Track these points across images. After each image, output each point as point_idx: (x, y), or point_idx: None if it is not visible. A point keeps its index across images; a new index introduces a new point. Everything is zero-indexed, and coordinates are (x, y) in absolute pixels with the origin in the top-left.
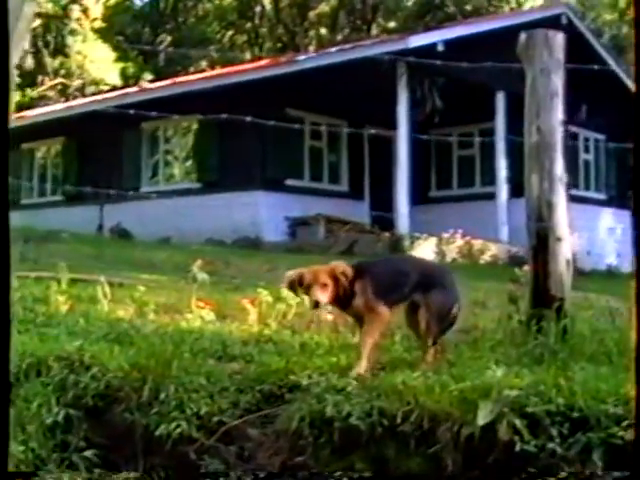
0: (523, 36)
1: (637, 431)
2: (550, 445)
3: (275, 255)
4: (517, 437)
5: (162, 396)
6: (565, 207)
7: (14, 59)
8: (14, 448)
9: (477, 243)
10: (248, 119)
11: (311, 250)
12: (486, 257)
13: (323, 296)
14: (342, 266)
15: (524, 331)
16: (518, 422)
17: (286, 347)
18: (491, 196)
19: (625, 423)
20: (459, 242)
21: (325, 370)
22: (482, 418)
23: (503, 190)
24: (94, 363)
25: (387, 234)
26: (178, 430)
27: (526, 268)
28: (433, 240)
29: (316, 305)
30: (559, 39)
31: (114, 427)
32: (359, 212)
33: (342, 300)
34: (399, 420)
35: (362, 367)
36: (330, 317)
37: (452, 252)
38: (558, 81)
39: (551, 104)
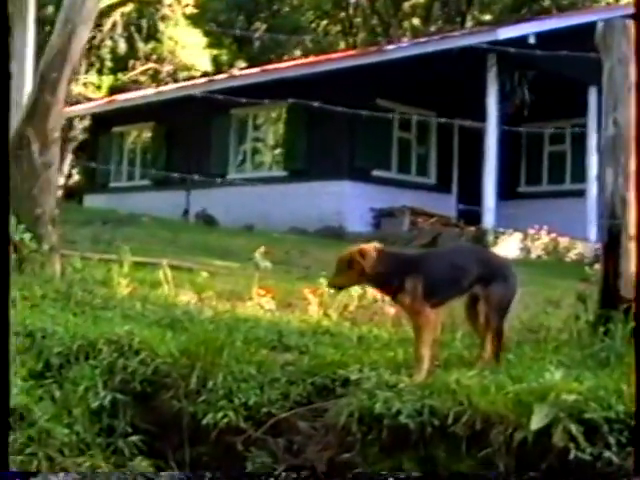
0: (601, 25)
1: (637, 431)
2: (607, 454)
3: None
4: (572, 444)
5: (210, 384)
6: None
7: (84, 34)
8: (59, 431)
9: (563, 241)
10: (339, 109)
11: (394, 242)
12: (572, 255)
13: (338, 279)
14: (362, 247)
15: (591, 332)
16: (574, 428)
17: (343, 339)
18: (581, 193)
19: None
20: (545, 239)
21: (380, 364)
22: (536, 422)
23: (593, 188)
24: (143, 348)
25: (472, 228)
26: (225, 420)
27: (597, 267)
28: (518, 236)
29: (338, 288)
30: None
31: (161, 414)
32: (446, 205)
33: (382, 285)
34: (450, 420)
35: (421, 375)
36: (393, 310)
37: (537, 249)
38: (635, 72)
39: (629, 95)
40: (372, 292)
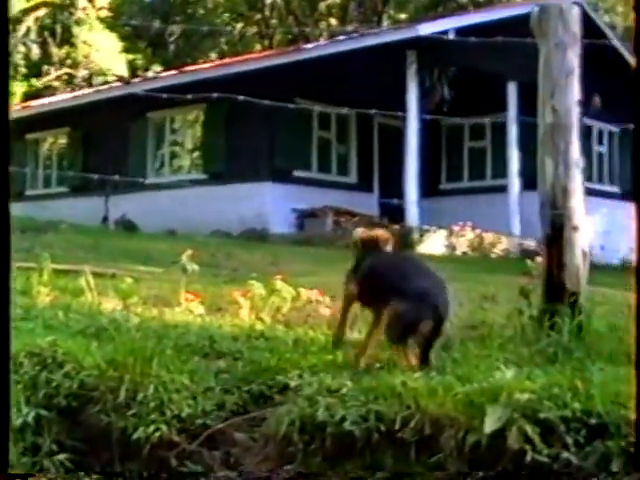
0: (536, 9)
1: (637, 430)
2: (565, 454)
3: (280, 247)
4: (528, 445)
5: (140, 396)
6: (582, 194)
7: None
8: None
9: (488, 236)
10: (265, 102)
11: (319, 242)
12: (497, 250)
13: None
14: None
15: (536, 328)
16: (530, 429)
17: (278, 343)
18: (503, 189)
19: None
20: (470, 235)
21: (320, 369)
22: (490, 424)
23: (515, 183)
24: (68, 360)
25: (396, 226)
26: (157, 433)
27: (539, 260)
28: (443, 233)
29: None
30: (575, 12)
31: (89, 429)
32: (368, 204)
33: None
34: (398, 425)
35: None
36: (328, 311)
37: (462, 245)
38: (574, 57)
39: (566, 82)
40: (305, 293)
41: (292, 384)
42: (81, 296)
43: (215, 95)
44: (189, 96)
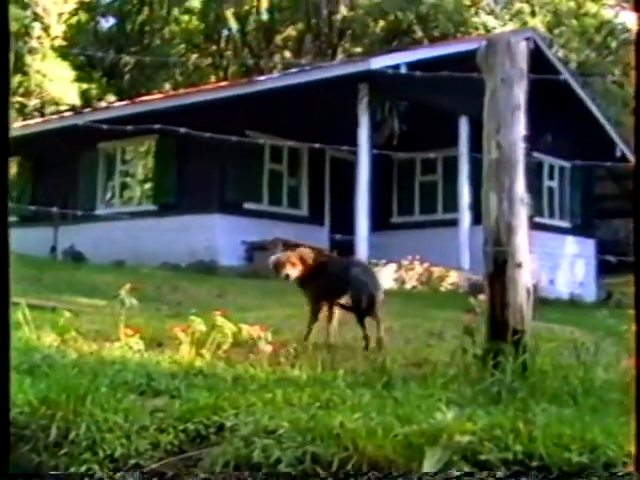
0: (483, 43)
1: (637, 430)
2: None
3: (228, 280)
4: None
5: (72, 435)
6: (526, 231)
7: None
8: None
9: (437, 270)
10: (207, 135)
11: (267, 275)
12: (446, 285)
13: (293, 271)
14: (306, 251)
15: (480, 367)
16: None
17: (218, 381)
18: (453, 223)
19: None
20: (419, 269)
21: (258, 408)
22: (428, 467)
23: (465, 217)
24: None
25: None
26: (89, 473)
27: (482, 297)
28: (392, 266)
29: (287, 277)
30: (522, 47)
31: (19, 469)
32: (319, 237)
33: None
34: (335, 467)
35: None
36: (269, 348)
37: (412, 279)
38: (520, 93)
39: (512, 118)
40: (247, 329)
41: (228, 424)
42: (17, 330)
43: (158, 127)
44: (129, 127)
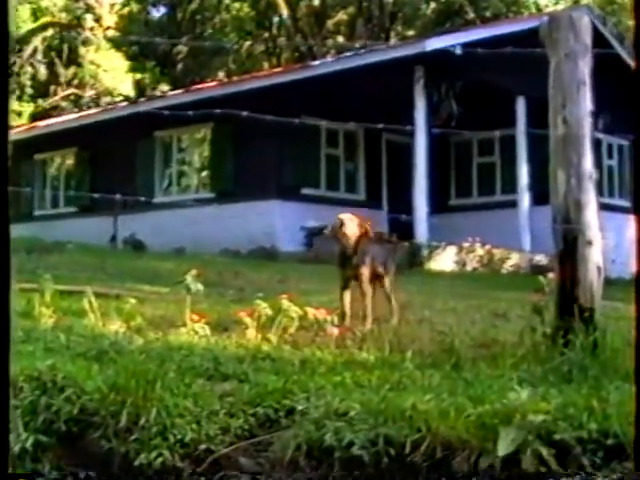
0: (546, 19)
1: (637, 430)
2: (582, 476)
3: (289, 265)
4: (544, 468)
5: (142, 421)
6: (595, 207)
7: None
8: None
9: (498, 252)
10: (267, 117)
11: (328, 260)
12: (507, 266)
13: (353, 230)
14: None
15: (549, 345)
16: (545, 451)
17: (285, 364)
18: (512, 204)
19: None
20: (479, 251)
21: (327, 390)
22: (503, 447)
23: (525, 198)
24: (68, 384)
25: (405, 243)
26: (160, 459)
27: (551, 276)
28: (453, 249)
29: (344, 237)
30: (585, 22)
31: (89, 455)
32: (378, 221)
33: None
34: (408, 449)
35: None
36: (336, 331)
37: (472, 261)
38: (585, 68)
39: (578, 93)
40: (313, 313)
41: (298, 407)
42: (84, 318)
43: (218, 111)
44: (189, 113)
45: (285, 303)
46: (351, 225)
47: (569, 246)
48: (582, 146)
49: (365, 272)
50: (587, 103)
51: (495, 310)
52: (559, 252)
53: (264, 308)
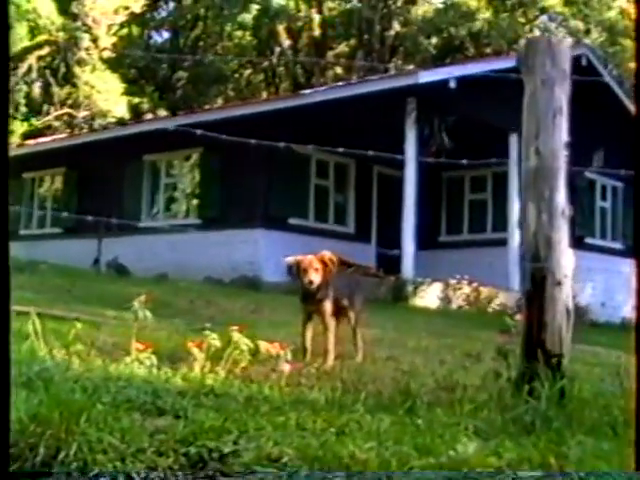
0: (523, 43)
1: (637, 430)
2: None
3: (269, 296)
4: None
5: (62, 456)
6: (567, 245)
7: None
8: None
9: (485, 290)
10: (252, 141)
11: None
12: (494, 305)
13: (316, 277)
14: (329, 254)
15: (513, 392)
16: None
17: (229, 401)
18: (503, 242)
19: None
20: (466, 289)
21: (267, 432)
22: None
23: (515, 236)
24: None
25: (391, 278)
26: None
27: (519, 317)
28: (439, 285)
29: (310, 284)
30: (564, 48)
31: None
32: (365, 254)
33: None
34: None
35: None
36: (288, 367)
37: (458, 299)
38: (562, 96)
39: (553, 122)
40: (265, 346)
41: (226, 450)
42: (26, 341)
43: (199, 132)
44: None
45: (235, 335)
46: (313, 265)
47: (537, 286)
48: (555, 179)
49: (328, 306)
50: (563, 134)
51: (469, 351)
52: (527, 292)
53: (213, 339)
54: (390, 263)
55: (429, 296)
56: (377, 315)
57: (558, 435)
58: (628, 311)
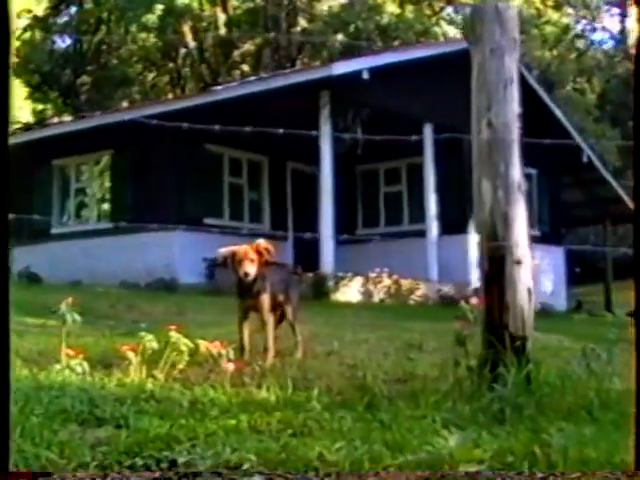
0: (469, 10)
1: (637, 430)
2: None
3: (188, 298)
4: None
5: None
6: (525, 222)
7: None
8: None
9: (406, 282)
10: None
11: (229, 292)
12: (415, 297)
13: (252, 268)
14: (264, 242)
15: (475, 380)
16: None
17: (172, 406)
18: (420, 233)
19: None
20: (387, 282)
21: (219, 437)
22: None
23: (433, 227)
24: None
25: (310, 274)
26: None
27: (474, 301)
28: (359, 280)
29: (245, 276)
30: (513, 14)
31: None
32: (282, 252)
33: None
34: None
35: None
36: (232, 366)
37: (379, 292)
38: (513, 65)
39: (505, 92)
40: (206, 345)
41: (180, 459)
42: None
43: (154, 122)
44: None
45: (174, 335)
46: (249, 255)
47: (496, 266)
48: (510, 152)
49: (265, 300)
50: (515, 104)
51: (408, 341)
52: (485, 273)
53: (149, 341)
54: (308, 259)
55: (350, 291)
56: (303, 312)
57: (533, 423)
58: (546, 297)
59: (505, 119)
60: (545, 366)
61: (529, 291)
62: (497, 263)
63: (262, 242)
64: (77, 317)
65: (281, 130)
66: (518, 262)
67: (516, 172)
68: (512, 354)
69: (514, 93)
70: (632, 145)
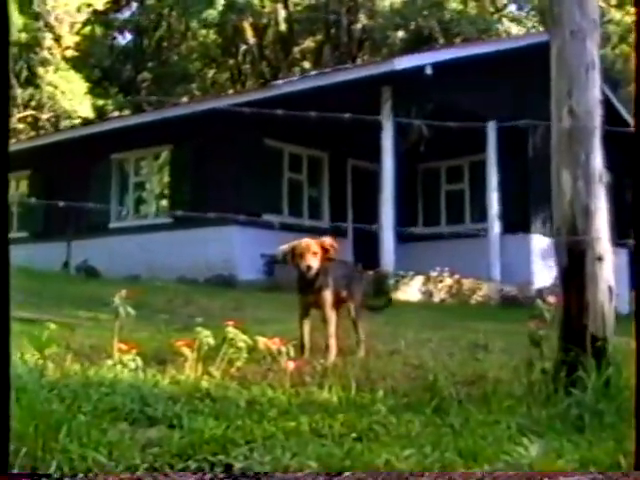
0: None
1: (637, 430)
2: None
3: (247, 294)
4: None
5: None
6: (607, 215)
7: None
8: None
9: (467, 282)
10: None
11: (289, 288)
12: (477, 297)
13: (315, 261)
14: (330, 239)
15: (550, 384)
16: None
17: (228, 406)
18: (482, 233)
19: None
20: (448, 281)
21: (278, 440)
22: None
23: (495, 226)
24: None
25: (370, 272)
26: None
27: (551, 300)
28: (420, 279)
29: (309, 269)
30: None
31: None
32: (342, 249)
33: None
34: None
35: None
36: (292, 365)
37: (440, 292)
38: (594, 48)
39: (587, 77)
40: (265, 342)
41: (237, 465)
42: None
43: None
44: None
45: (231, 331)
46: (311, 249)
47: (576, 263)
48: (591, 141)
49: (328, 296)
50: (597, 90)
51: (474, 341)
52: (563, 270)
53: (206, 337)
54: (368, 257)
55: (411, 290)
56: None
57: (614, 431)
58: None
59: (587, 106)
60: (626, 370)
61: (610, 289)
62: (577, 259)
63: (327, 239)
64: (131, 310)
65: (347, 115)
66: (599, 258)
67: (597, 162)
68: (591, 357)
69: (596, 78)
70: None
